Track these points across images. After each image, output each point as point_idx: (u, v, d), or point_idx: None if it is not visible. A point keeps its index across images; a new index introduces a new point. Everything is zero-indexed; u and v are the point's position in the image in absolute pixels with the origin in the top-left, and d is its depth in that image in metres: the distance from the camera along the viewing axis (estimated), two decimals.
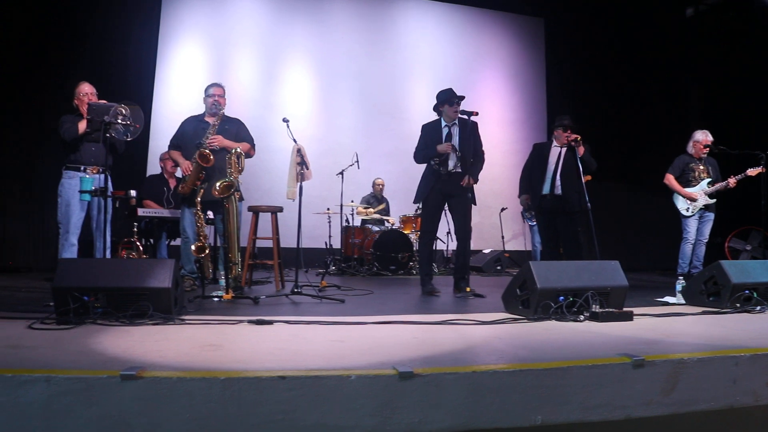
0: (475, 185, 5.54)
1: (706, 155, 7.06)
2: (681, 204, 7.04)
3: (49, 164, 7.29)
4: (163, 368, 2.19)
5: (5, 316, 3.44)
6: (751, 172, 6.73)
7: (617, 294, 3.96)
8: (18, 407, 1.99)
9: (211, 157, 5.23)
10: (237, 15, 10.46)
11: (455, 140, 5.64)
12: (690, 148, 7.15)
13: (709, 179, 6.95)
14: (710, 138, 7.00)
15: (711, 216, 7.00)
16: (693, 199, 6.92)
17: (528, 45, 12.36)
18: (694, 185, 6.99)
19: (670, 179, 7.10)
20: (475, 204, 5.55)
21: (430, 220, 5.81)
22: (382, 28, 11.38)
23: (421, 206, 5.92)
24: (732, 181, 6.81)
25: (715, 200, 6.91)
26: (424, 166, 5.83)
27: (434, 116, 5.91)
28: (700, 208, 6.93)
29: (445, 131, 5.71)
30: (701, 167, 7.04)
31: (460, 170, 5.55)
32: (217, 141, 5.46)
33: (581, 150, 5.86)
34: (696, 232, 7.00)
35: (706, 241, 7.04)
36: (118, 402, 2.02)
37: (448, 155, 5.59)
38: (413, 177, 5.89)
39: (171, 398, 2.03)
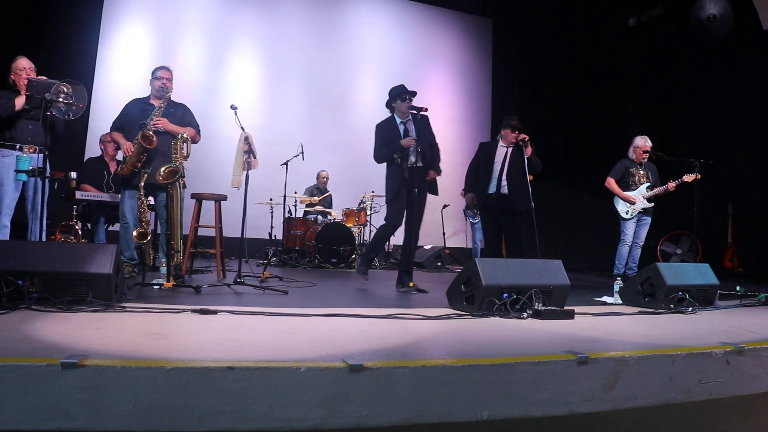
0: (438, 177, 5.71)
1: (645, 160, 7.29)
2: (621, 207, 7.24)
3: None
4: (106, 357, 2.11)
5: None
6: (687, 178, 6.94)
7: (559, 292, 4.04)
8: None
9: (154, 138, 5.12)
10: None
11: (412, 135, 5.65)
12: (631, 153, 7.37)
13: (648, 184, 7.17)
14: (649, 143, 7.23)
15: (648, 220, 7.22)
16: (632, 203, 7.13)
17: (476, 45, 12.51)
18: (634, 189, 7.20)
19: (611, 182, 7.31)
20: (436, 194, 5.79)
21: (395, 214, 5.75)
22: (332, 19, 11.33)
23: (387, 201, 5.90)
24: (671, 185, 7.02)
25: (653, 204, 7.14)
26: (370, 159, 5.83)
27: (384, 113, 5.92)
28: (639, 212, 7.15)
29: (401, 128, 5.73)
30: (641, 172, 7.26)
31: (420, 164, 5.58)
32: (161, 123, 5.36)
33: (529, 150, 5.95)
34: (633, 234, 7.21)
35: (642, 243, 7.26)
36: (57, 391, 1.94)
37: (408, 151, 5.59)
38: (357, 170, 5.90)
39: (114, 388, 1.96)
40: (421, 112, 5.48)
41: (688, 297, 4.57)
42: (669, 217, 9.83)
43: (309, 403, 2.07)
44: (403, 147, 5.56)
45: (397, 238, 6.42)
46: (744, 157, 9.82)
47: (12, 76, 5.24)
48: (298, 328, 3.00)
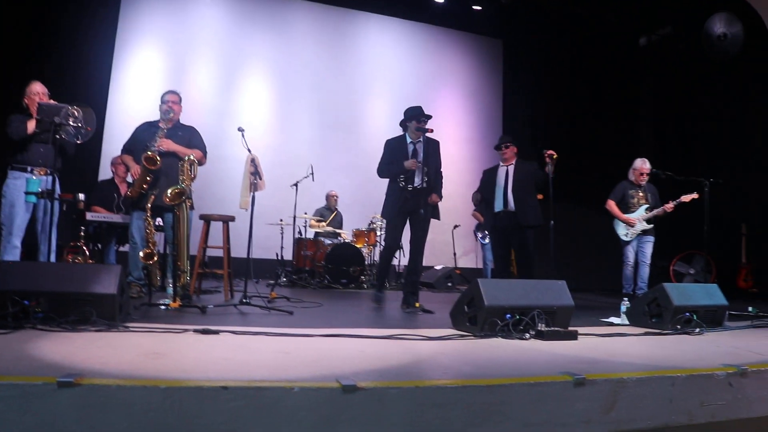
0: (442, 200, 5.70)
1: (645, 182, 7.29)
2: (620, 229, 7.29)
3: None
4: (103, 376, 2.14)
5: None
6: (685, 198, 6.97)
7: (563, 313, 4.02)
8: None
9: (158, 159, 5.18)
10: (197, 22, 10.40)
11: (420, 157, 5.66)
12: (630, 175, 7.42)
13: (647, 205, 7.20)
14: (648, 166, 7.27)
15: (651, 238, 7.23)
16: (631, 225, 7.15)
17: (486, 65, 12.56)
18: (633, 211, 7.22)
19: (611, 205, 7.35)
20: (438, 219, 5.72)
21: (393, 237, 5.83)
22: (343, 42, 11.43)
23: (385, 221, 5.97)
24: (669, 206, 7.03)
25: (652, 225, 7.15)
26: (381, 180, 5.87)
27: (394, 133, 5.95)
28: (638, 233, 7.16)
29: (410, 148, 5.76)
30: (640, 194, 7.28)
31: (424, 186, 5.59)
32: (165, 144, 5.42)
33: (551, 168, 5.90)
34: (636, 254, 7.21)
35: (648, 262, 7.24)
36: (53, 410, 1.97)
37: (413, 172, 5.61)
38: (367, 191, 5.92)
39: (109, 407, 1.98)
40: (427, 134, 5.51)
41: (695, 318, 4.53)
42: (682, 237, 9.75)
43: (302, 423, 2.08)
44: (406, 168, 5.59)
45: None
46: (758, 176, 9.75)
47: (25, 100, 5.33)
48: (297, 348, 3.01)
